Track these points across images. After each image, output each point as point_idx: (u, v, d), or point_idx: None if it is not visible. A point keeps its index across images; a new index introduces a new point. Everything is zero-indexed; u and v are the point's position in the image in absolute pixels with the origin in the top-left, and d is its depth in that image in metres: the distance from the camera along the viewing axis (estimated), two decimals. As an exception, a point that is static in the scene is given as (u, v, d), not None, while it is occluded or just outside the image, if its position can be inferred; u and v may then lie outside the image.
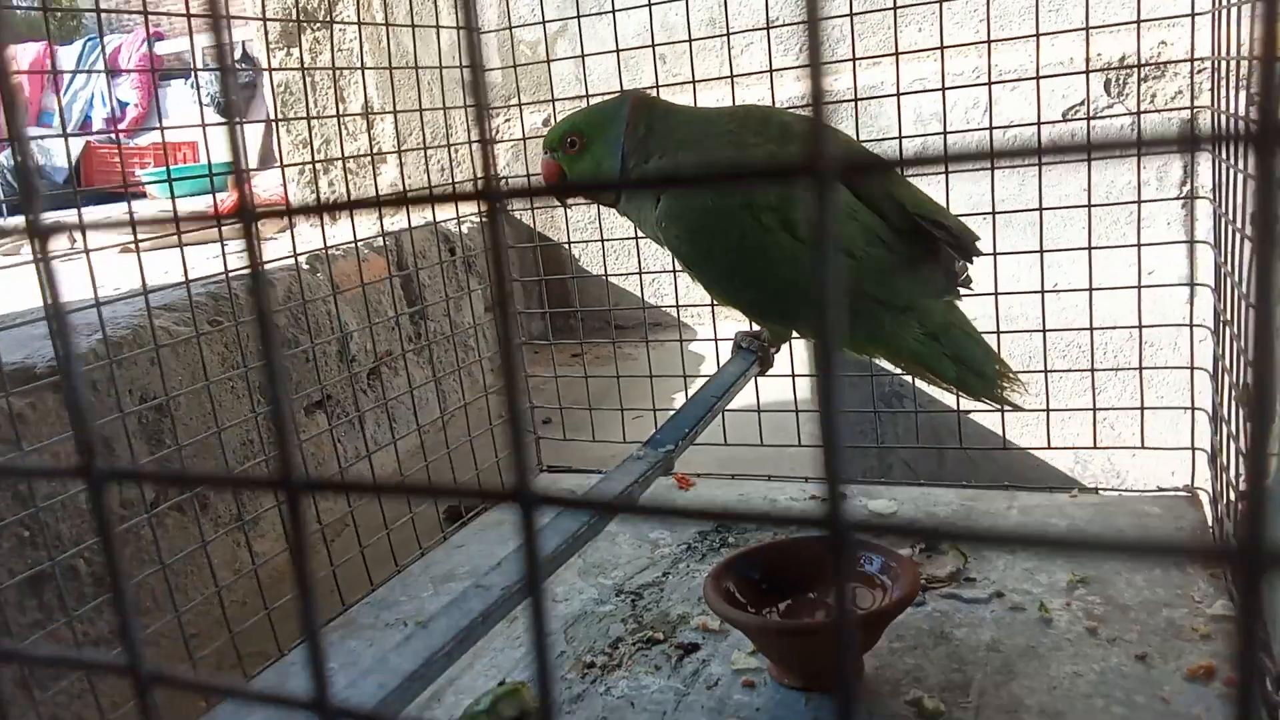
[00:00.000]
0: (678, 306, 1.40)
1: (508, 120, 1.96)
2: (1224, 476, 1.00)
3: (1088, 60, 1.18)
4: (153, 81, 3.44)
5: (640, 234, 1.12)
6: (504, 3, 1.89)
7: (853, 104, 1.20)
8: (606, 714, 0.85)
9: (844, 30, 1.27)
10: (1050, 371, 1.26)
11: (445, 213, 1.62)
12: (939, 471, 1.58)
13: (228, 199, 2.23)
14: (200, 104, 1.23)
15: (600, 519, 0.83)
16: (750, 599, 0.89)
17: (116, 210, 2.17)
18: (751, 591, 0.90)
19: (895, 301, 0.97)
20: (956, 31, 1.58)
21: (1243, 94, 0.94)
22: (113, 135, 5.13)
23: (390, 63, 1.43)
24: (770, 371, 1.14)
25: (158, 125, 2.10)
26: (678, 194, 0.96)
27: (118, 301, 1.00)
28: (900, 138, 1.27)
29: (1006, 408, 1.06)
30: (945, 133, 1.33)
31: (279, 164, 1.25)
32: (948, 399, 1.18)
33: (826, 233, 0.20)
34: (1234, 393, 0.94)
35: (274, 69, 2.14)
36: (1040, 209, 1.14)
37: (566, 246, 1.88)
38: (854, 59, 1.18)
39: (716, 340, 1.28)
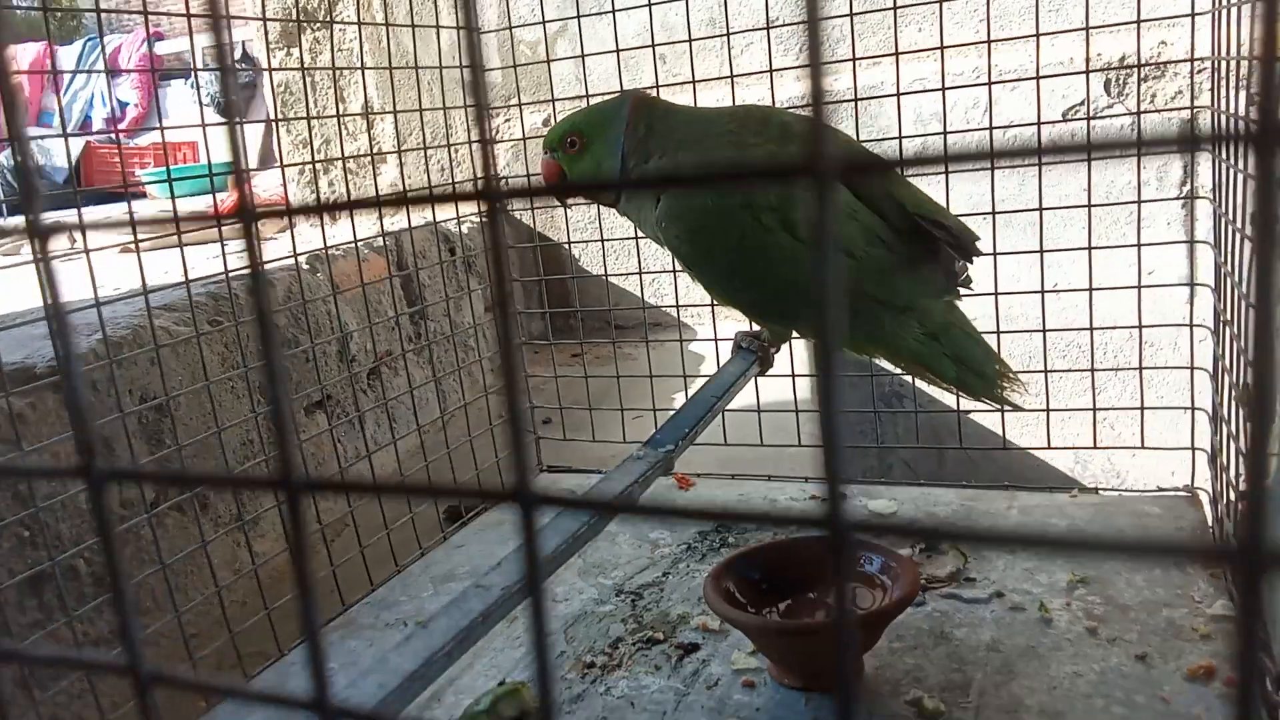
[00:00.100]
0: (678, 306, 1.40)
1: (508, 120, 1.96)
2: (1224, 476, 1.00)
3: (1088, 60, 1.18)
4: (153, 81, 3.44)
5: (640, 234, 1.12)
6: (504, 3, 1.89)
7: (853, 104, 1.20)
8: (606, 714, 0.85)
9: (844, 30, 1.27)
10: (1050, 371, 1.26)
11: (445, 213, 1.62)
12: (939, 471, 1.58)
13: (228, 199, 2.23)
14: (200, 104, 1.23)
15: (600, 519, 0.83)
16: (750, 599, 0.89)
17: (116, 210, 2.17)
18: (751, 591, 0.90)
19: (895, 301, 0.97)
20: (956, 31, 1.58)
21: (1243, 94, 0.94)
22: (113, 135, 5.13)
23: (390, 63, 1.43)
24: (770, 371, 1.14)
25: (158, 125, 2.10)
26: (678, 194, 0.96)
27: (118, 301, 1.00)
28: (900, 138, 1.27)
29: (1006, 408, 1.06)
30: (945, 133, 1.33)
31: (279, 164, 1.25)
32: (948, 399, 1.18)
33: (826, 233, 0.20)
34: (1234, 393, 0.94)
35: (274, 69, 2.14)
36: (1040, 209, 1.14)
37: (566, 246, 1.88)
38: (854, 59, 1.18)
39: (716, 340, 1.28)
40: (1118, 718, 0.78)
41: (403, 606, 1.11)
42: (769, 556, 0.93)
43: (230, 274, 1.03)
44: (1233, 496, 0.97)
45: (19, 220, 0.33)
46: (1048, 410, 1.20)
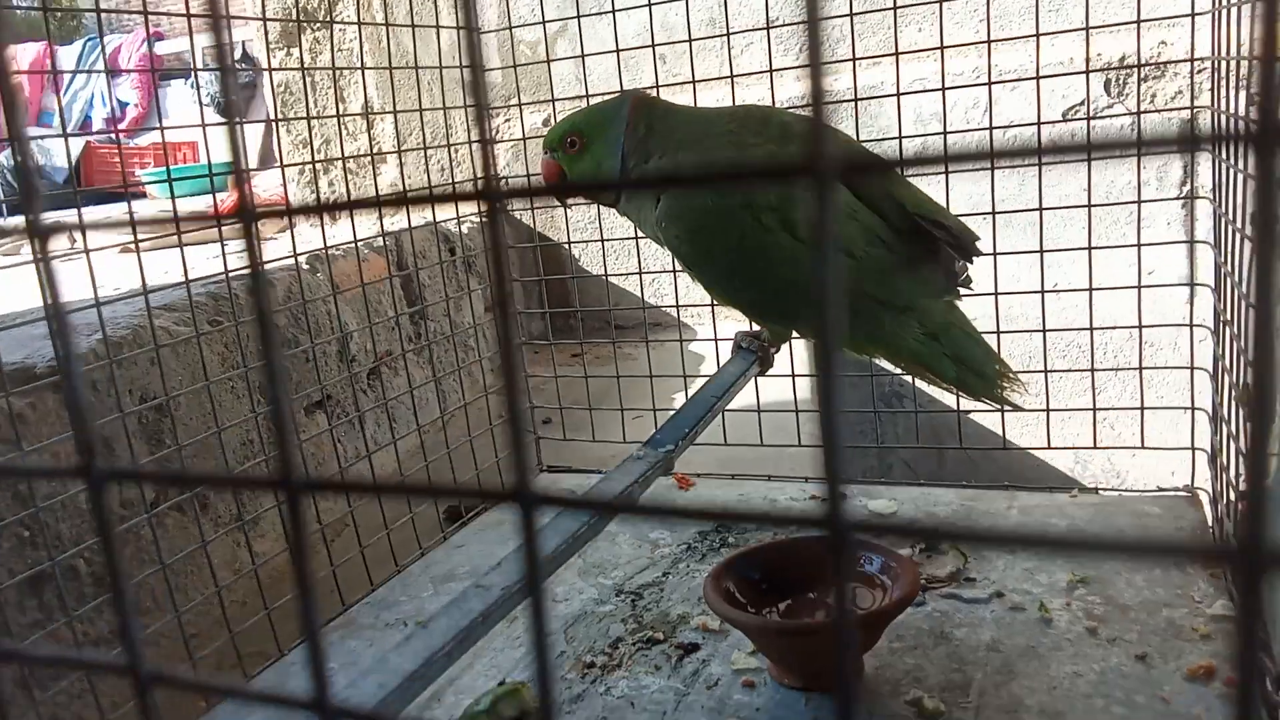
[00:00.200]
0: (678, 306, 1.40)
1: (508, 120, 1.96)
2: (1224, 476, 1.00)
3: (1088, 60, 1.18)
4: (153, 81, 3.44)
5: (640, 234, 1.12)
6: (504, 3, 1.89)
7: (853, 104, 1.20)
8: (606, 714, 0.85)
9: (844, 30, 1.27)
10: (1050, 371, 1.26)
11: (445, 213, 1.62)
12: (939, 471, 1.58)
13: (228, 199, 2.23)
14: (200, 104, 1.23)
15: (600, 519, 0.83)
16: (750, 599, 0.89)
17: (116, 210, 2.17)
18: (751, 591, 0.90)
19: (895, 301, 0.97)
20: (956, 31, 1.58)
21: (1243, 94, 0.94)
22: (113, 135, 5.13)
23: (390, 63, 1.43)
24: (770, 371, 1.14)
25: (158, 125, 2.10)
26: (678, 194, 0.96)
27: (118, 301, 1.00)
28: (900, 138, 1.27)
29: (1006, 408, 1.06)
30: (945, 133, 1.33)
31: (279, 164, 1.25)
32: (948, 399, 1.18)
33: (826, 233, 0.20)
34: (1234, 393, 0.94)
35: (274, 69, 2.14)
36: (1040, 209, 1.14)
37: (566, 246, 1.88)
38: (854, 59, 1.18)
39: (716, 340, 1.28)
40: (1118, 718, 0.78)
41: (403, 606, 1.11)
42: (769, 556, 0.93)
43: (230, 274, 1.03)
44: (1233, 496, 0.97)
45: (19, 220, 0.33)
46: (1048, 410, 1.20)
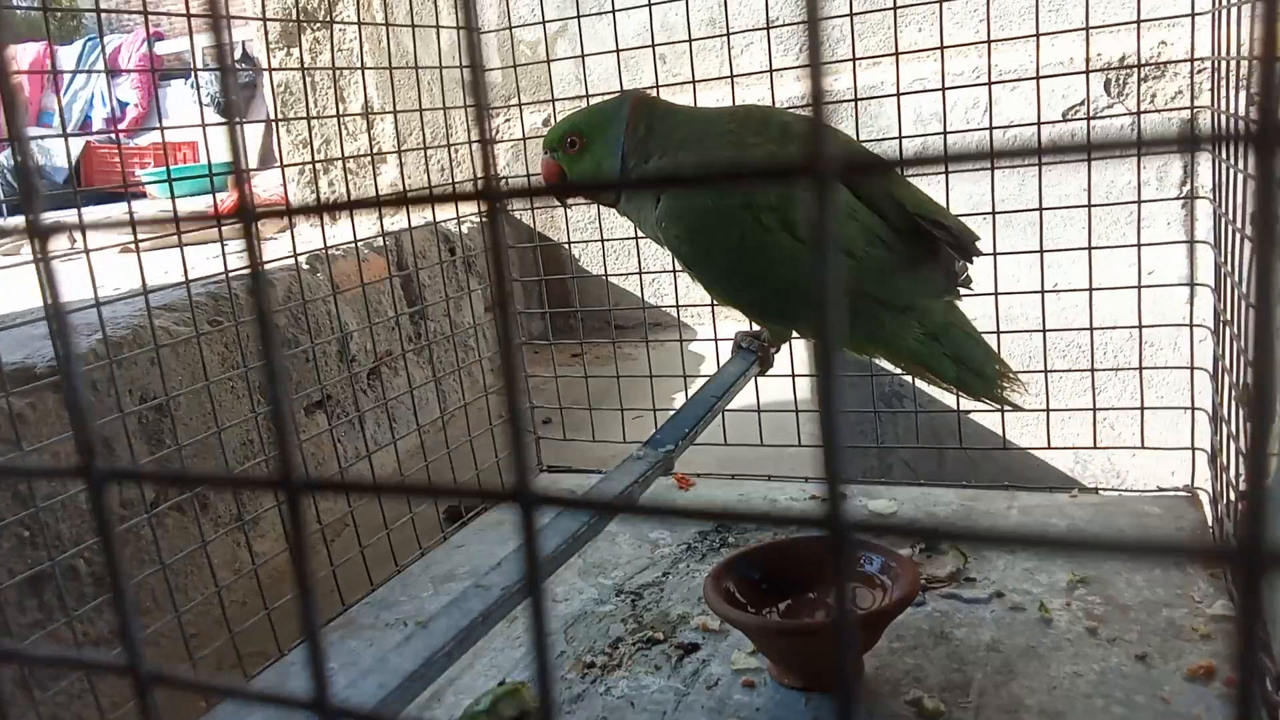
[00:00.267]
0: (678, 306, 1.40)
1: (508, 120, 1.96)
2: (1224, 476, 1.00)
3: (1088, 60, 1.18)
4: (153, 81, 3.44)
5: (640, 234, 1.12)
6: (504, 3, 1.89)
7: (853, 104, 1.20)
8: (606, 714, 0.85)
9: (844, 30, 1.27)
10: (1050, 371, 1.26)
11: (445, 213, 1.62)
12: (939, 471, 1.58)
13: (228, 199, 2.23)
14: (200, 104, 1.23)
15: (600, 519, 0.83)
16: (750, 599, 0.89)
17: (116, 210, 2.17)
18: (751, 591, 0.90)
19: (895, 301, 0.97)
20: (956, 31, 1.58)
21: (1243, 94, 0.94)
22: (113, 135, 5.13)
23: (390, 63, 1.43)
24: (770, 371, 1.14)
25: (158, 125, 2.10)
26: (678, 194, 0.96)
27: (118, 301, 1.00)
28: (900, 138, 1.27)
29: (1006, 408, 1.06)
30: (945, 133, 1.33)
31: (279, 164, 1.25)
32: (948, 399, 1.18)
33: (826, 233, 0.20)
34: (1234, 393, 0.94)
35: (274, 69, 2.14)
36: (1040, 209, 1.14)
37: (566, 246, 1.88)
38: (854, 59, 1.18)
39: (716, 340, 1.28)
40: (1118, 718, 0.78)
41: (403, 606, 1.11)
42: (769, 556, 0.93)
43: (230, 274, 1.03)
44: (1233, 496, 0.97)
45: (19, 220, 0.33)
46: (1048, 410, 1.20)
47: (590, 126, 1.00)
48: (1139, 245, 1.13)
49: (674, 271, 1.29)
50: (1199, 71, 1.19)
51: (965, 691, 0.83)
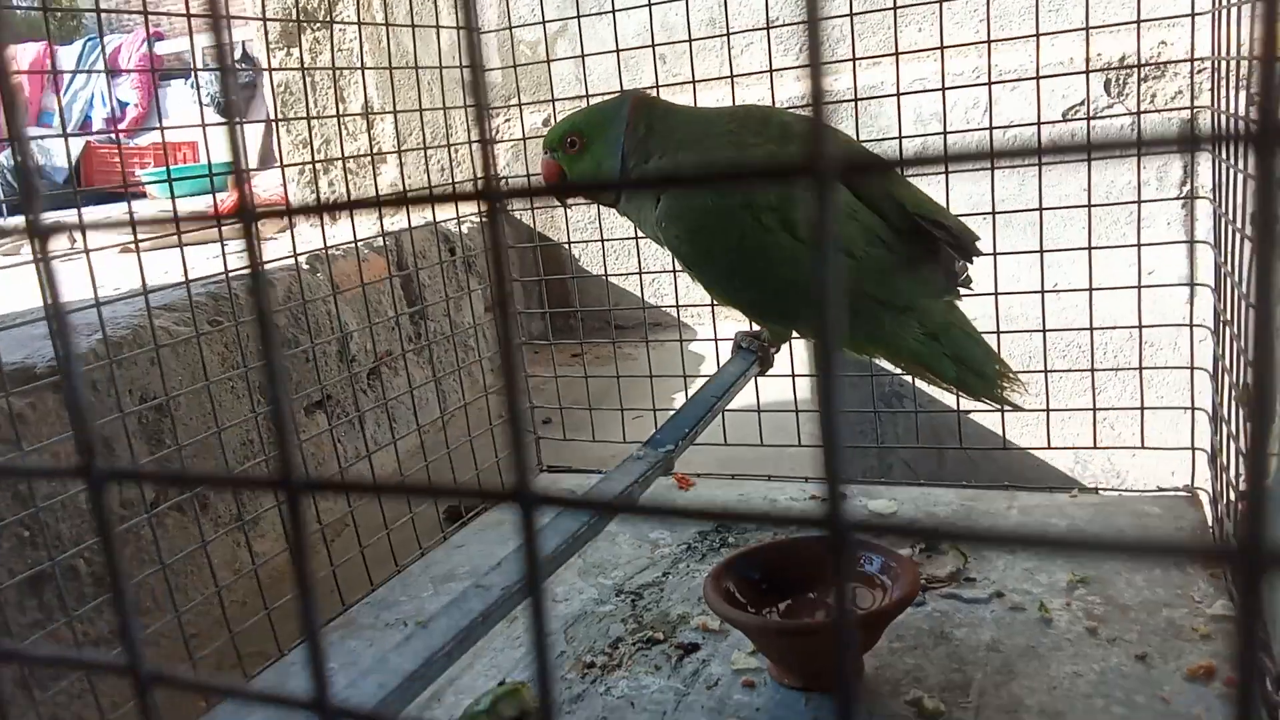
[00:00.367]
0: (678, 306, 1.40)
1: (508, 120, 1.96)
2: (1224, 476, 1.00)
3: (1088, 60, 1.18)
4: (153, 81, 3.44)
5: (640, 234, 1.12)
6: (504, 3, 1.89)
7: (853, 104, 1.20)
8: (606, 714, 0.85)
9: (844, 30, 1.27)
10: (1050, 371, 1.26)
11: (445, 213, 1.62)
12: (939, 471, 1.58)
13: (228, 199, 2.23)
14: (200, 104, 1.23)
15: (600, 519, 0.83)
16: (750, 599, 0.89)
17: (116, 210, 2.17)
18: (751, 591, 0.90)
19: (895, 301, 0.97)
20: (956, 31, 1.58)
21: (1243, 94, 0.94)
22: (113, 135, 5.13)
23: (390, 63, 1.43)
24: (770, 371, 1.14)
25: (158, 125, 2.10)
26: (678, 194, 0.96)
27: (118, 301, 1.00)
28: (900, 138, 1.27)
29: (1006, 408, 1.06)
30: (945, 133, 1.33)
31: (279, 164, 1.25)
32: (948, 399, 1.18)
33: (826, 233, 0.20)
34: (1234, 393, 0.94)
35: (274, 69, 2.14)
36: (1040, 209, 1.14)
37: (566, 246, 1.88)
38: (854, 59, 1.18)
39: (716, 340, 1.28)
40: (1118, 718, 0.78)
41: (403, 606, 1.11)
42: (769, 556, 0.93)
43: (230, 274, 1.03)
44: (1233, 496, 0.97)
45: (19, 220, 0.33)
46: (1048, 410, 1.20)
47: (590, 126, 1.00)
48: (1139, 245, 1.13)
49: (674, 271, 1.29)
50: (1199, 71, 1.19)
51: (965, 691, 0.83)
